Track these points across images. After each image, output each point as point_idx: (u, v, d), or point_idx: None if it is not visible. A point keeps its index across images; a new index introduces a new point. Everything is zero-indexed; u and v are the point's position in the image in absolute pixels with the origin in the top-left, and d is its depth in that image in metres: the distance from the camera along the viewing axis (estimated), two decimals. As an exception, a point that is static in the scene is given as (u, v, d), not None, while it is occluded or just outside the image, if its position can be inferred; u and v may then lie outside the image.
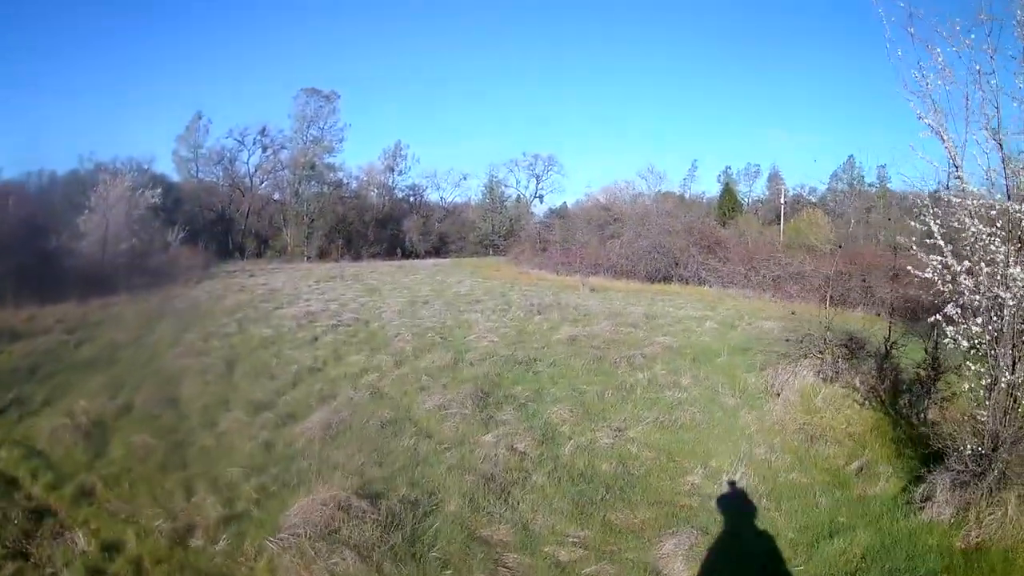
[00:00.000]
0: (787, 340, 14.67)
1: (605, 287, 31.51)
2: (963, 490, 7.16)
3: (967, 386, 7.48)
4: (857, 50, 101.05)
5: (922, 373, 10.30)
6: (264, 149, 61.32)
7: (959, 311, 7.32)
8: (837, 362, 11.77)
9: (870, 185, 61.48)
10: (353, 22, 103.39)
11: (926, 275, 7.46)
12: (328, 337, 16.14)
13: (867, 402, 10.81)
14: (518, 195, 71.93)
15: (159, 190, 34.78)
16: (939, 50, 7.20)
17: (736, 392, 11.88)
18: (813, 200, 63.92)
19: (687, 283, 33.11)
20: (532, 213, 67.45)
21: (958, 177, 7.38)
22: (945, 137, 7.30)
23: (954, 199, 7.28)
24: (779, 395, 11.45)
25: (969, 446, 7.24)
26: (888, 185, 55.06)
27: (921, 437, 9.15)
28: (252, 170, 61.42)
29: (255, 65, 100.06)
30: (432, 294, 26.23)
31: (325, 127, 61.17)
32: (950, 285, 7.30)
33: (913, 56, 7.37)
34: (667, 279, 34.01)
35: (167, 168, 57.79)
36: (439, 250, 62.49)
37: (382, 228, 61.95)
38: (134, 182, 33.08)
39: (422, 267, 43.28)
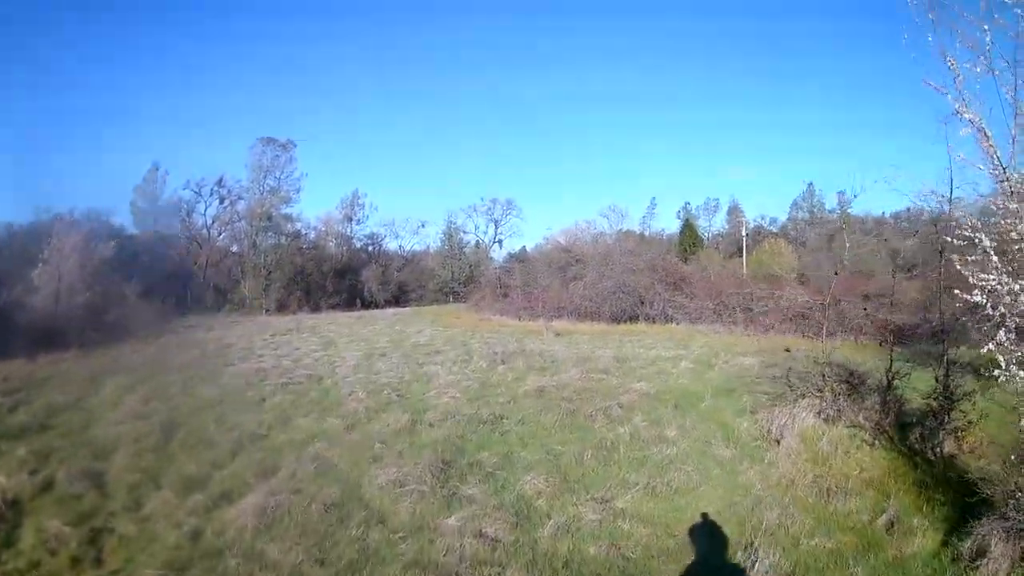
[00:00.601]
0: (774, 378, 13.64)
1: (570, 331, 30.01)
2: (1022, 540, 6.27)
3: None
4: (813, 79, 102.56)
5: (933, 404, 9.46)
6: (221, 200, 59.30)
7: (1013, 336, 6.11)
8: (838, 400, 10.58)
9: (830, 211, 61.58)
10: (309, 71, 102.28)
11: (974, 298, 6.21)
12: (277, 398, 14.52)
13: (876, 441, 9.79)
14: (477, 241, 70.42)
15: (113, 242, 33.40)
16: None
17: (730, 442, 10.50)
18: (774, 230, 63.99)
19: (654, 322, 31.89)
20: (491, 258, 65.85)
21: (1004, 180, 6.17)
22: (988, 133, 6.13)
23: (1011, 205, 6.05)
24: (779, 442, 10.16)
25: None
26: (849, 211, 55.04)
27: (947, 479, 8.34)
28: (209, 221, 59.60)
29: (213, 115, 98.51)
30: (390, 345, 24.54)
31: (282, 177, 59.59)
32: (1002, 308, 6.09)
33: (935, 47, 6.35)
34: (633, 319, 32.78)
35: (125, 220, 55.93)
36: (399, 299, 60.71)
37: (341, 278, 60.04)
38: (90, 233, 31.70)
39: (381, 317, 41.48)
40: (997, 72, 6.14)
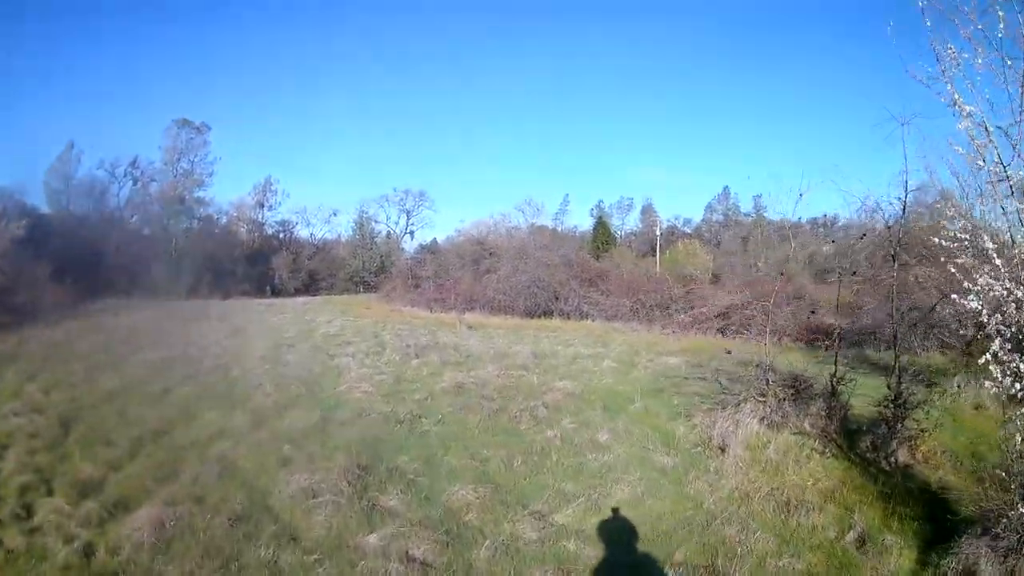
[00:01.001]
0: (703, 379, 13.00)
1: (483, 324, 29.00)
2: (1015, 558, 5.83)
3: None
4: (727, 85, 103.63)
5: (886, 411, 8.87)
6: (135, 181, 56.95)
7: (1008, 346, 5.49)
8: (783, 405, 9.90)
9: (746, 215, 62.37)
10: (226, 54, 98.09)
11: (970, 303, 5.56)
12: (182, 389, 13.22)
13: (826, 449, 9.09)
14: (388, 231, 68.82)
15: (24, 221, 31.21)
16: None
17: (670, 449, 9.63)
18: (688, 231, 64.39)
19: (569, 318, 31.05)
20: (403, 249, 64.58)
21: (1006, 177, 5.53)
22: (990, 128, 5.58)
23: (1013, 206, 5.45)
24: (723, 450, 9.36)
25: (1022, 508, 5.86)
26: (764, 214, 56.06)
27: (909, 491, 7.87)
28: (122, 203, 56.84)
29: (129, 94, 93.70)
30: (300, 335, 23.18)
31: (196, 160, 58.05)
32: (998, 316, 5.47)
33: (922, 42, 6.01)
34: (548, 314, 31.91)
35: (38, 199, 52.78)
36: (309, 287, 58.68)
37: (251, 265, 57.77)
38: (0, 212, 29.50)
39: (292, 305, 39.60)
40: (1009, 63, 5.56)
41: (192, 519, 6.95)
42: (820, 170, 61.56)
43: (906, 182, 9.11)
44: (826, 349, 11.90)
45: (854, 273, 10.70)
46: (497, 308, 32.99)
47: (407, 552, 6.36)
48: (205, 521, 6.93)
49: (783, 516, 7.44)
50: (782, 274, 12.71)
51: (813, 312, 21.75)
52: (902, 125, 8.27)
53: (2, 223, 29.40)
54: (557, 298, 32.73)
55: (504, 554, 6.43)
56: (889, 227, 9.92)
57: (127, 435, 9.92)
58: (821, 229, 48.71)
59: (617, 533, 7.04)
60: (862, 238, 12.94)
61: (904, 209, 9.61)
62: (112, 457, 8.99)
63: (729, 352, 14.39)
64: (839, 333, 10.91)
